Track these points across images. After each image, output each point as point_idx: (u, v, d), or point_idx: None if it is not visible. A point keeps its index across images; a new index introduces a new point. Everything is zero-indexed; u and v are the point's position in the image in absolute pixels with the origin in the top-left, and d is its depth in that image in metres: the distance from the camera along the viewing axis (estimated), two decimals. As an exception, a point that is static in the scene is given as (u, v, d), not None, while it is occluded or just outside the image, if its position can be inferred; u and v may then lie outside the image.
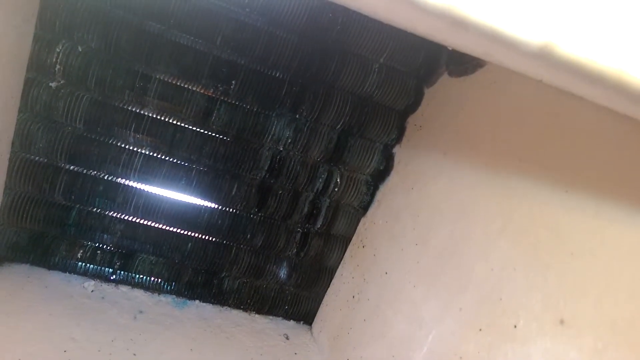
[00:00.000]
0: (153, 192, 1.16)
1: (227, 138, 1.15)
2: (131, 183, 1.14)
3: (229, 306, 1.31)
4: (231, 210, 1.21)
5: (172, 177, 1.15)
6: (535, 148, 0.76)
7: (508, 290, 0.72)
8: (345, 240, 1.30)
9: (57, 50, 1.00)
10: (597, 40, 0.18)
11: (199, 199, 1.19)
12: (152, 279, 1.24)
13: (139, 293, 1.23)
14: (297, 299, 1.35)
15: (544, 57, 0.19)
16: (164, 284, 1.25)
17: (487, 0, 0.18)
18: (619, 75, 0.18)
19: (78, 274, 1.20)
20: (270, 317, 1.34)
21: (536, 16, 0.18)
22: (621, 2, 0.17)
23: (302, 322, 1.37)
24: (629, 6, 0.17)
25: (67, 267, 1.19)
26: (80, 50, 1.01)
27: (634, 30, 0.17)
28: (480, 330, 0.75)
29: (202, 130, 1.13)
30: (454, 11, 0.18)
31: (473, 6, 0.18)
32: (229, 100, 1.11)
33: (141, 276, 1.23)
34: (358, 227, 1.28)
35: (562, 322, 0.61)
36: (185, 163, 1.15)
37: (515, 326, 0.68)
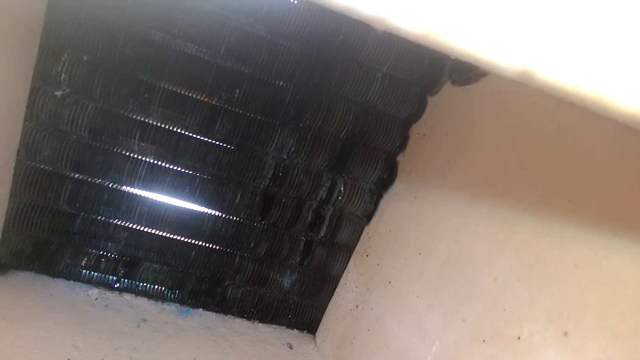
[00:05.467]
0: (157, 200, 1.16)
1: (230, 146, 1.15)
2: (135, 191, 1.15)
3: (233, 315, 1.31)
4: (235, 218, 1.21)
5: (176, 185, 1.15)
6: (538, 157, 0.76)
7: (512, 301, 0.71)
8: (349, 249, 1.30)
9: (63, 59, 1.01)
10: (577, 65, 0.18)
11: (203, 207, 1.19)
12: (156, 287, 1.24)
13: (142, 301, 1.23)
14: (300, 308, 1.34)
15: (525, 81, 0.19)
16: (168, 292, 1.25)
17: (466, 27, 0.18)
18: (599, 99, 0.18)
19: (82, 281, 1.20)
20: (274, 326, 1.34)
21: (515, 42, 0.18)
22: (600, 27, 0.17)
23: (305, 331, 1.37)
24: (609, 31, 0.17)
25: (71, 275, 1.19)
26: (85, 59, 1.02)
27: (613, 55, 0.17)
28: (483, 341, 0.74)
29: (206, 139, 1.14)
30: (433, 38, 0.18)
31: (451, 33, 0.18)
32: (233, 109, 1.12)
33: (145, 284, 1.23)
34: (362, 236, 1.28)
35: (565, 333, 0.60)
36: (189, 171, 1.16)
37: (519, 338, 0.67)
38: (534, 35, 0.18)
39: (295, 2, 1.04)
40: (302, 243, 1.27)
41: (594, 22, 0.17)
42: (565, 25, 0.17)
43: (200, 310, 1.28)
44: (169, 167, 1.15)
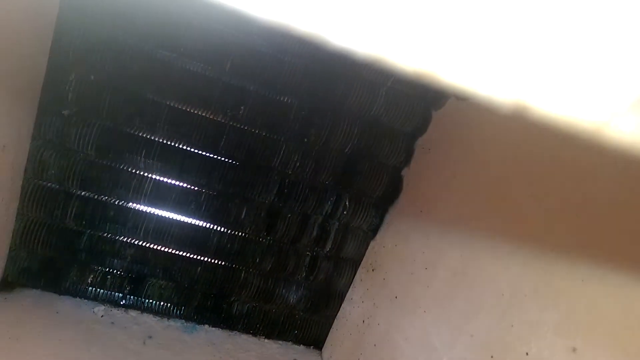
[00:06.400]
0: (163, 216, 1.17)
1: (236, 162, 1.16)
2: (141, 208, 1.15)
3: (238, 331, 1.30)
4: (240, 234, 1.22)
5: (181, 201, 1.16)
6: (545, 170, 0.76)
7: (519, 316, 0.71)
8: (355, 264, 1.29)
9: (70, 78, 1.02)
10: (572, 97, 0.18)
11: (209, 223, 1.19)
12: (162, 303, 1.24)
13: (148, 318, 1.23)
14: (306, 324, 1.34)
15: (518, 117, 0.19)
16: (174, 309, 1.25)
17: (459, 65, 0.18)
18: (597, 129, 0.18)
19: (88, 298, 1.20)
20: (280, 342, 1.33)
21: (507, 78, 0.18)
22: (596, 58, 0.18)
23: (312, 347, 1.36)
24: (605, 61, 0.17)
25: (77, 292, 1.19)
26: (93, 78, 1.03)
27: (610, 85, 0.18)
28: (491, 357, 0.73)
29: (211, 155, 1.14)
30: (426, 75, 0.19)
31: (445, 71, 0.18)
32: (238, 125, 1.13)
33: (151, 301, 1.23)
34: (367, 250, 1.27)
35: (574, 350, 0.60)
36: (194, 187, 1.16)
37: (527, 354, 0.67)
38: (527, 70, 0.18)
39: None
40: (308, 258, 1.27)
41: (587, 55, 0.17)
42: (557, 59, 0.18)
43: (206, 326, 1.28)
44: (174, 184, 1.15)
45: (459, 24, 0.18)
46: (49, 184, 1.10)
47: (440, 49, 0.18)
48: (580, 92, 0.18)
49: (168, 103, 1.08)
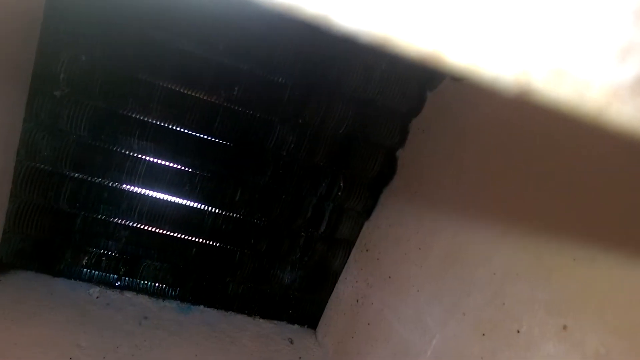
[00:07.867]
0: (157, 198, 1.17)
1: (230, 144, 1.15)
2: (135, 189, 1.15)
3: (234, 311, 1.32)
4: (235, 215, 1.22)
5: (176, 183, 1.15)
6: (537, 152, 0.76)
7: (511, 295, 0.72)
8: (349, 244, 1.30)
9: (61, 59, 1.01)
10: (574, 79, 0.18)
11: (203, 205, 1.19)
12: (157, 284, 1.25)
13: (143, 299, 1.24)
14: (301, 303, 1.35)
15: (523, 101, 0.19)
16: (169, 290, 1.26)
17: (464, 46, 0.18)
18: (599, 111, 0.18)
19: (83, 280, 1.21)
20: (275, 321, 1.35)
21: (512, 60, 0.18)
22: (595, 40, 0.18)
23: (306, 326, 1.38)
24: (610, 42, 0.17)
25: (72, 274, 1.20)
26: (84, 59, 1.02)
27: (611, 66, 0.18)
28: (483, 335, 0.75)
29: (205, 136, 1.14)
30: (435, 58, 0.19)
31: (451, 53, 0.18)
32: (232, 106, 1.12)
33: (146, 282, 1.24)
34: (362, 231, 1.28)
35: (565, 327, 0.61)
36: (188, 169, 1.16)
37: (518, 331, 0.68)
38: (532, 52, 0.18)
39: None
40: (302, 239, 1.27)
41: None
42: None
43: (201, 307, 1.29)
44: (168, 165, 1.15)
45: (464, 3, 0.18)
46: (42, 166, 1.09)
47: (445, 30, 0.18)
48: (581, 74, 0.18)
49: (161, 84, 1.07)
